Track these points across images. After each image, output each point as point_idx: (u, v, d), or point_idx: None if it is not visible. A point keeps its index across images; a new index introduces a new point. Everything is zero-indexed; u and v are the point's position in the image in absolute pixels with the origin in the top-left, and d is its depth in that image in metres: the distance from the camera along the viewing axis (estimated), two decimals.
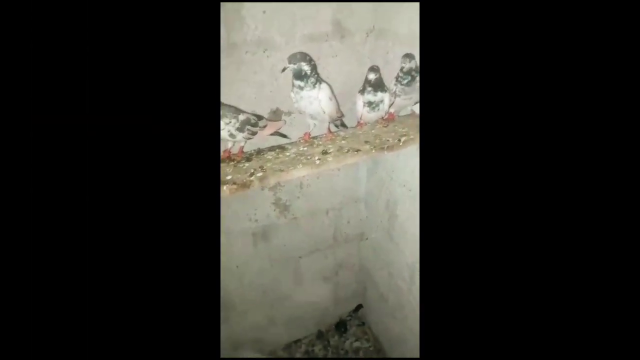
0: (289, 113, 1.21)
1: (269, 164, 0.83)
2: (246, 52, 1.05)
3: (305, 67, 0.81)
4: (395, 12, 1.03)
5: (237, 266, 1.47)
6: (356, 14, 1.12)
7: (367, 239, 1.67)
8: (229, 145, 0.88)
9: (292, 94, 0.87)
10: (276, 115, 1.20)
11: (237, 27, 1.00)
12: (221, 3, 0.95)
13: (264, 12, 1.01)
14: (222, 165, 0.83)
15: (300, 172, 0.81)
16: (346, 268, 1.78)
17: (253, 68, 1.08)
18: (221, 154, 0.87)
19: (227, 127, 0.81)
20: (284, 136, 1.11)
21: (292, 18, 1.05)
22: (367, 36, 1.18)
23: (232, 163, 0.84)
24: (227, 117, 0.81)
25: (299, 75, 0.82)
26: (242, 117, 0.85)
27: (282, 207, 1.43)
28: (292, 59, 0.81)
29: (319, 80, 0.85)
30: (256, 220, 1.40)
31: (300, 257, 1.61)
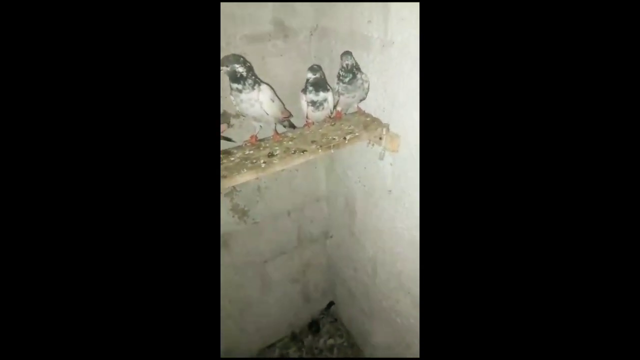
0: (238, 115, 1.18)
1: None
2: None
3: (240, 69, 0.79)
4: (335, 11, 1.04)
5: None
6: (298, 13, 1.11)
7: (331, 236, 1.69)
8: None
9: (232, 97, 0.84)
10: (224, 118, 1.16)
11: None
12: None
13: None
14: None
15: (244, 177, 0.79)
16: (314, 267, 1.78)
17: None
18: None
19: None
20: (230, 140, 1.08)
21: (230, 18, 1.02)
22: (312, 35, 1.17)
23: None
24: None
25: (235, 78, 0.79)
26: None
27: (241, 213, 1.39)
28: (225, 61, 0.78)
29: (258, 81, 0.83)
30: None
31: (265, 262, 1.58)
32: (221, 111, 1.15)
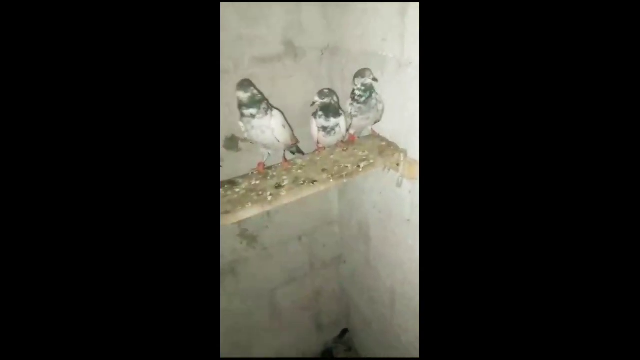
0: (246, 140, 1.13)
1: None
2: None
3: (256, 94, 0.74)
4: (346, 29, 0.99)
5: None
6: (307, 32, 1.07)
7: (345, 261, 1.59)
8: None
9: (242, 124, 0.79)
10: (232, 143, 1.11)
11: None
12: None
13: None
14: None
15: (249, 212, 0.72)
16: (326, 294, 1.68)
17: None
18: None
19: None
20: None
21: (238, 40, 0.98)
22: (322, 54, 1.12)
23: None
24: None
25: (249, 103, 0.74)
26: None
27: (250, 239, 1.33)
28: (242, 86, 0.73)
29: (270, 107, 0.78)
30: (222, 257, 1.29)
31: (274, 289, 1.50)
32: (229, 136, 1.10)
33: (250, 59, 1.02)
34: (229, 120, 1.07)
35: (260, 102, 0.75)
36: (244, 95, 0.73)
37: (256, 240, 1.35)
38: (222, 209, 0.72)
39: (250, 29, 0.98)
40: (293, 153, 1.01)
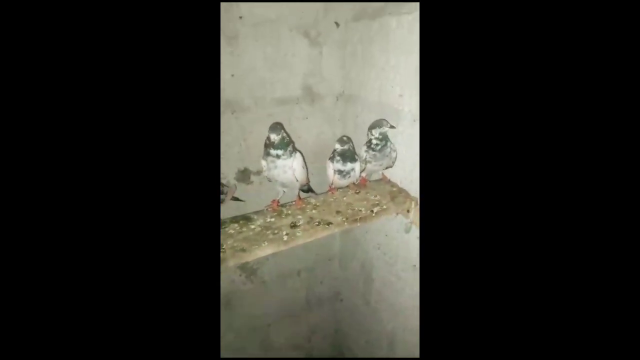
0: (258, 173, 1.15)
1: (229, 241, 0.74)
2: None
3: (286, 137, 0.79)
4: (365, 79, 1.06)
5: None
6: (326, 79, 1.14)
7: (342, 300, 1.56)
8: None
9: (265, 162, 0.82)
10: (244, 175, 1.14)
11: None
12: None
13: (232, 75, 0.99)
14: None
15: (265, 251, 0.73)
16: (320, 333, 1.63)
17: (220, 129, 1.03)
18: None
19: None
20: (239, 200, 1.05)
21: (261, 82, 1.04)
22: (337, 100, 1.20)
23: None
24: None
25: (280, 145, 0.78)
26: None
27: (250, 272, 1.31)
28: (275, 129, 0.78)
29: (295, 149, 0.82)
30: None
31: (269, 325, 1.45)
32: (242, 168, 1.13)
33: (270, 100, 1.08)
34: (244, 154, 1.11)
35: (288, 144, 0.79)
36: (276, 137, 0.77)
37: (255, 273, 1.33)
38: (239, 246, 0.73)
39: (273, 73, 1.05)
40: (305, 191, 1.04)
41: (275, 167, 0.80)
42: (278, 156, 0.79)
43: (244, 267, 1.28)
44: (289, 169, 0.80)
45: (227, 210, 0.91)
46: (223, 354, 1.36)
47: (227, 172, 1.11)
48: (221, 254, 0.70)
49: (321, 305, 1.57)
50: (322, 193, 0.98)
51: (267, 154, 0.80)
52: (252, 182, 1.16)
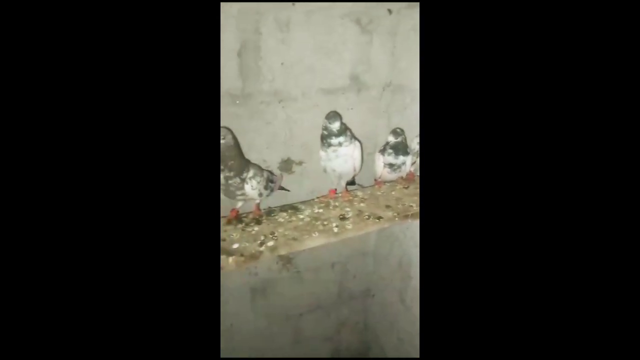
0: (301, 163, 1.15)
1: (280, 229, 0.74)
2: (261, 102, 1.01)
3: (343, 124, 0.78)
4: (413, 70, 1.02)
5: (231, 324, 1.32)
6: (375, 69, 1.11)
7: (373, 295, 1.55)
8: (238, 204, 0.80)
9: (324, 154, 0.81)
10: (287, 165, 1.14)
11: (253, 78, 0.97)
12: (239, 53, 0.92)
13: (282, 63, 0.99)
14: (228, 228, 0.75)
15: (315, 242, 0.73)
16: (350, 327, 1.62)
17: (266, 118, 1.04)
18: (228, 214, 0.79)
19: (258, 187, 0.74)
20: (285, 189, 1.04)
21: (310, 70, 1.02)
22: (384, 91, 1.16)
23: (240, 226, 0.76)
24: (258, 175, 0.74)
25: (340, 132, 0.77)
26: (265, 174, 0.79)
27: (286, 260, 1.32)
28: (334, 118, 0.76)
29: (354, 136, 0.81)
30: (256, 274, 1.28)
31: (300, 315, 1.47)
32: (285, 158, 1.13)
33: (317, 90, 1.06)
34: (288, 144, 1.11)
35: (346, 130, 0.78)
36: (334, 125, 0.76)
37: (291, 263, 1.34)
38: (290, 234, 0.73)
39: (322, 62, 1.03)
40: (349, 184, 1.02)
41: (337, 156, 0.79)
42: (340, 144, 0.77)
43: (280, 256, 1.30)
44: (350, 158, 0.79)
45: (270, 199, 0.91)
46: (255, 340, 1.39)
47: (271, 161, 1.11)
48: (273, 242, 0.70)
49: (352, 300, 1.56)
50: (369, 186, 0.95)
51: (328, 144, 0.78)
52: (293, 172, 1.16)
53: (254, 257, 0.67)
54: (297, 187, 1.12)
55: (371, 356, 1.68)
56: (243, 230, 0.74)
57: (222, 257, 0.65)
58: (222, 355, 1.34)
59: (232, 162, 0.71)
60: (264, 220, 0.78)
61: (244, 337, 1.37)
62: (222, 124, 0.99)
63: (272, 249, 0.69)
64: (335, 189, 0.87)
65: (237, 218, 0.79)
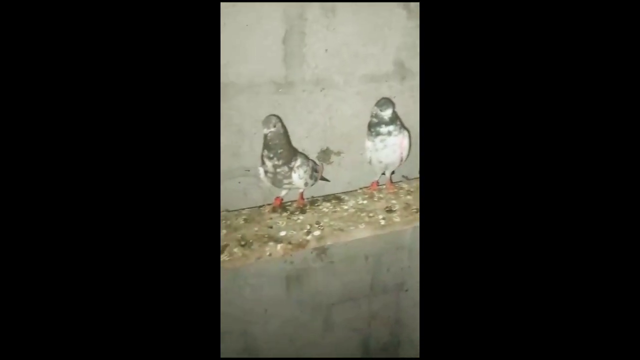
0: (339, 153, 1.13)
1: (326, 219, 0.73)
2: (303, 90, 0.99)
3: (394, 112, 0.75)
4: None
5: (265, 310, 1.35)
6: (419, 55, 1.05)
7: (407, 290, 1.52)
8: (282, 192, 0.80)
9: (371, 143, 0.78)
10: (325, 155, 1.12)
11: (297, 65, 0.95)
12: (284, 40, 0.91)
13: (326, 50, 0.96)
14: (273, 216, 0.75)
15: (362, 233, 0.71)
16: (380, 320, 1.61)
17: (308, 107, 1.02)
18: (272, 201, 0.79)
19: (304, 176, 0.74)
20: (326, 179, 1.03)
21: (354, 57, 0.99)
22: None
23: (285, 214, 0.76)
24: (304, 164, 0.74)
25: (391, 121, 0.74)
26: (310, 163, 0.78)
27: (320, 250, 1.32)
28: (387, 105, 0.73)
29: (403, 125, 0.78)
30: (292, 262, 1.30)
31: (332, 304, 1.47)
32: (324, 148, 1.11)
33: (360, 76, 1.03)
34: (328, 133, 1.09)
35: (397, 119, 0.75)
36: (386, 113, 0.73)
37: (326, 253, 1.34)
38: (336, 225, 0.72)
39: (366, 47, 0.99)
40: (383, 174, 0.99)
41: (385, 146, 0.76)
42: (390, 133, 0.74)
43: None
44: (398, 148, 0.76)
45: (310, 189, 0.90)
46: (287, 327, 1.42)
47: (310, 151, 1.10)
48: (319, 232, 0.69)
49: (385, 293, 1.54)
50: (414, 178, 0.92)
51: (377, 133, 0.76)
52: (332, 162, 1.14)
53: (301, 245, 0.67)
54: (334, 178, 1.11)
55: (401, 350, 1.66)
56: (288, 218, 0.74)
57: (270, 244, 0.65)
58: (258, 339, 1.39)
59: (281, 150, 0.71)
60: (308, 210, 0.77)
61: (277, 323, 1.40)
62: (264, 112, 0.99)
63: (319, 238, 0.68)
64: (377, 182, 0.85)
65: (281, 206, 0.79)
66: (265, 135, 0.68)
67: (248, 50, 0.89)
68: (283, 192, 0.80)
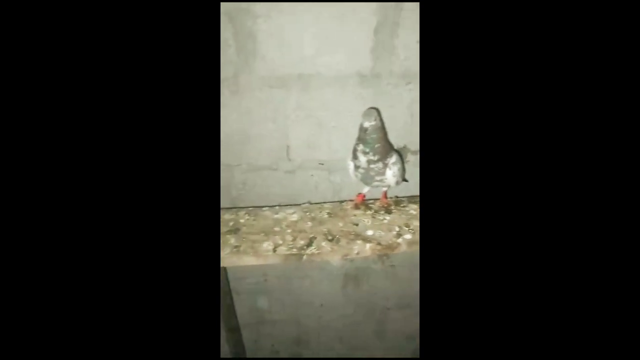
0: (416, 152, 1.06)
1: (415, 223, 0.68)
2: (388, 83, 0.94)
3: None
4: None
5: (321, 304, 1.35)
6: None
7: None
8: (365, 189, 0.77)
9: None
10: (403, 153, 1.07)
11: (385, 57, 0.91)
12: (376, 31, 0.87)
13: (417, 42, 0.90)
14: (357, 213, 0.72)
15: None
16: None
17: (390, 101, 0.97)
18: (354, 198, 0.76)
19: (398, 174, 0.70)
20: (405, 180, 0.97)
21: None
22: None
23: (369, 212, 0.73)
24: (399, 162, 0.70)
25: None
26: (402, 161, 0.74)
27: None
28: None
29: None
30: (352, 260, 1.27)
31: (388, 309, 1.42)
32: (401, 146, 1.06)
33: None
34: (408, 130, 1.03)
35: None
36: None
37: (388, 255, 1.29)
38: None
39: None
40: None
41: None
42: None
43: None
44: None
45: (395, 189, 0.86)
46: (339, 324, 1.41)
47: None
48: (411, 235, 0.65)
49: None
50: None
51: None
52: (408, 161, 1.08)
53: (391, 247, 0.63)
54: (411, 178, 1.05)
55: None
56: (373, 217, 0.71)
57: (358, 242, 0.63)
58: (310, 332, 1.40)
59: (378, 145, 0.67)
60: (394, 210, 0.73)
61: (331, 319, 1.40)
62: (345, 105, 0.96)
63: (411, 243, 0.64)
64: None
65: (364, 203, 0.76)
66: (365, 129, 0.65)
67: (338, 40, 0.87)
68: (366, 189, 0.77)
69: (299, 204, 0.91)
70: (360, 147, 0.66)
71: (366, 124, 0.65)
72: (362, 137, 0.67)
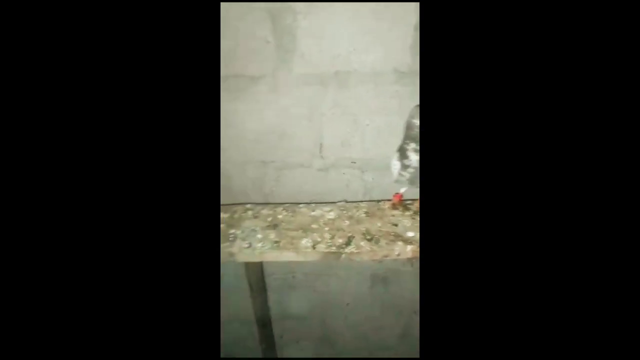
0: None
1: None
2: None
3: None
4: None
5: (347, 304, 1.34)
6: None
7: None
8: (402, 189, 0.75)
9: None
10: None
11: None
12: (416, 27, 0.84)
13: None
14: (395, 213, 0.71)
15: None
16: None
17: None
18: (392, 197, 0.75)
19: None
20: None
21: None
22: None
23: (408, 213, 0.71)
24: None
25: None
26: None
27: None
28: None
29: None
30: (380, 262, 1.25)
31: (414, 312, 1.39)
32: None
33: None
34: None
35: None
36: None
37: (417, 258, 1.26)
38: None
39: None
40: None
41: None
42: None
43: None
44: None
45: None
46: (366, 325, 1.39)
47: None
48: None
49: None
50: None
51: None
52: None
53: None
54: None
55: None
56: (413, 218, 0.69)
57: (399, 243, 0.61)
58: (336, 331, 1.39)
59: None
60: None
61: (357, 319, 1.38)
62: (381, 103, 0.94)
63: None
64: None
65: (402, 204, 0.74)
66: (418, 127, 0.63)
67: (375, 37, 0.86)
68: (402, 189, 0.75)
69: (334, 202, 0.90)
70: (412, 145, 0.64)
71: (417, 122, 0.63)
72: (414, 135, 0.65)
